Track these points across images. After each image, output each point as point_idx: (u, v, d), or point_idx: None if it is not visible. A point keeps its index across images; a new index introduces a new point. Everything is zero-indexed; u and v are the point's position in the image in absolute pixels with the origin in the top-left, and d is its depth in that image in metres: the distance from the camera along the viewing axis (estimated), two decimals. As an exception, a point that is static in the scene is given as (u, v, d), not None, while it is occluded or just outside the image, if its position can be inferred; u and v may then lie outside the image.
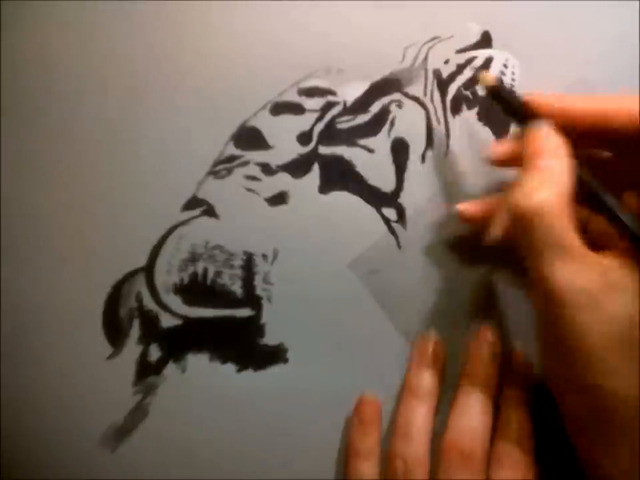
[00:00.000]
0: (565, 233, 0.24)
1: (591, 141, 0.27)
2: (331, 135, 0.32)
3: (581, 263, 0.24)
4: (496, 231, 0.27)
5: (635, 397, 0.24)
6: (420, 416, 0.29)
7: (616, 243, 0.26)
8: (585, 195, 0.26)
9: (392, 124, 0.32)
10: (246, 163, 0.32)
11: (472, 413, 0.28)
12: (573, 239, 0.24)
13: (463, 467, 0.28)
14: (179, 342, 0.31)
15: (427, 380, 0.30)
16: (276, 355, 0.31)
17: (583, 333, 0.24)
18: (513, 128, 0.32)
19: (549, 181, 0.25)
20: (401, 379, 0.31)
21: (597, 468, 0.26)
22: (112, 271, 0.31)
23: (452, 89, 0.33)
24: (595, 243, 0.26)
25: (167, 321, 0.31)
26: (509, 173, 0.32)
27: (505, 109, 0.28)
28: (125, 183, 0.31)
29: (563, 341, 0.25)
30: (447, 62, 0.33)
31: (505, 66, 0.33)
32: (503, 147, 0.28)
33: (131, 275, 0.31)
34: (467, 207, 0.29)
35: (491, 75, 0.28)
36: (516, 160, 0.27)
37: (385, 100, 0.32)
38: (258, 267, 0.31)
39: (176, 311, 0.31)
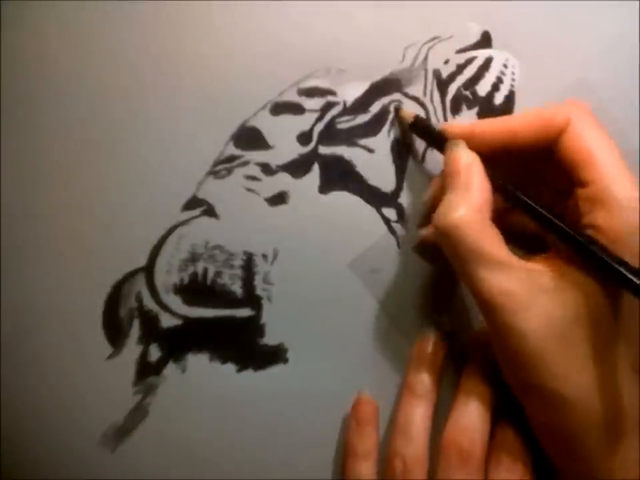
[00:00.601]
0: (484, 243, 0.25)
1: (506, 160, 0.28)
2: (331, 134, 0.32)
3: (506, 268, 0.25)
4: (417, 240, 0.31)
5: (583, 400, 0.24)
6: (419, 415, 0.29)
7: (548, 246, 0.28)
8: (514, 202, 0.27)
9: (392, 124, 0.32)
10: (246, 163, 0.32)
11: (471, 413, 0.28)
12: (494, 248, 0.26)
13: (462, 467, 0.28)
14: (179, 342, 0.31)
15: (426, 379, 0.30)
16: (276, 355, 0.31)
17: (521, 337, 0.25)
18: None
19: (463, 197, 0.26)
20: (401, 378, 0.31)
21: (563, 473, 0.27)
22: (112, 271, 0.31)
23: (452, 89, 0.33)
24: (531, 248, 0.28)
25: (167, 321, 0.31)
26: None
27: (426, 139, 0.31)
28: (125, 182, 0.31)
29: (506, 346, 0.25)
30: (446, 62, 0.33)
31: (505, 66, 0.33)
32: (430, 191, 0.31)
33: (131, 275, 0.31)
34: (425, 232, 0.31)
35: (409, 111, 0.31)
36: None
37: (384, 100, 0.32)
38: (258, 267, 0.31)
39: (176, 311, 0.31)
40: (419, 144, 0.32)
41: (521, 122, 0.28)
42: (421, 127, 0.31)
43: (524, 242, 0.29)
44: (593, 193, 0.26)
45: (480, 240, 0.25)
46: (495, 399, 0.29)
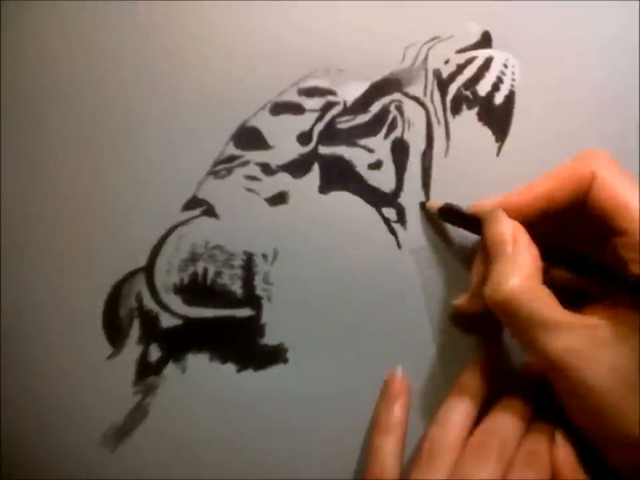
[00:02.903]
0: (542, 309, 0.26)
1: (544, 221, 0.29)
2: (331, 134, 0.32)
3: (566, 329, 0.26)
4: (458, 304, 0.31)
5: None
6: (461, 411, 0.29)
7: (591, 297, 0.28)
8: (560, 260, 0.28)
9: (392, 124, 0.32)
10: (246, 163, 0.32)
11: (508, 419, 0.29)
12: (551, 312, 0.26)
13: (485, 462, 0.27)
14: (179, 342, 0.31)
15: (477, 382, 0.30)
16: (276, 355, 0.31)
17: (590, 391, 0.25)
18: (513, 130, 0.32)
19: (513, 267, 0.27)
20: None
21: None
22: (112, 271, 0.31)
23: (452, 89, 0.33)
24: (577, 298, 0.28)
25: (167, 321, 0.31)
26: (509, 172, 0.32)
27: (458, 223, 0.31)
28: (125, 182, 0.31)
29: (578, 401, 0.26)
30: (447, 62, 0.33)
31: (505, 66, 0.33)
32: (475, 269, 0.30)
33: (131, 275, 0.31)
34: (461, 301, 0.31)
35: (435, 201, 0.31)
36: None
37: (385, 100, 0.32)
38: (258, 267, 0.31)
39: (176, 311, 0.31)
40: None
41: (549, 187, 0.28)
42: (452, 213, 0.30)
43: (565, 295, 0.29)
44: (632, 241, 0.26)
45: (537, 307, 0.26)
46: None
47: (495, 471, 0.27)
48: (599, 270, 0.27)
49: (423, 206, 0.32)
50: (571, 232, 0.29)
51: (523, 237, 0.28)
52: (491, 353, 0.31)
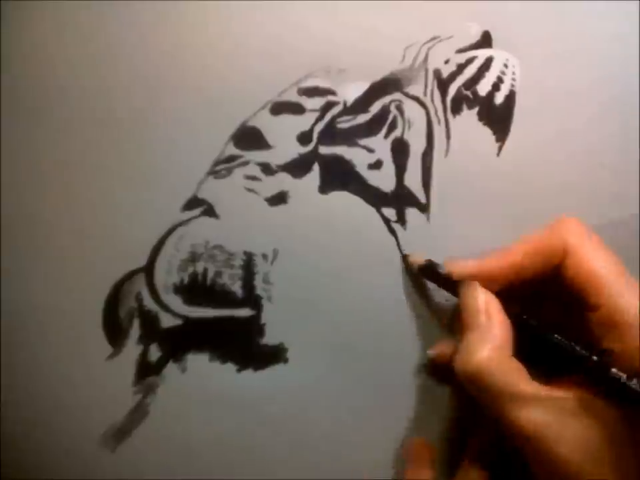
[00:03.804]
0: (512, 381, 0.26)
1: (521, 287, 0.29)
2: (331, 134, 0.32)
3: (535, 402, 0.26)
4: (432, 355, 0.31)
5: None
6: None
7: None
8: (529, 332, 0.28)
9: (392, 124, 0.32)
10: (246, 163, 0.32)
11: None
12: (520, 383, 0.26)
13: None
14: (179, 342, 0.31)
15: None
16: (276, 355, 0.31)
17: (558, 462, 0.25)
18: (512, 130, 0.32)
19: (484, 338, 0.27)
20: (400, 377, 0.31)
21: None
22: (112, 270, 0.31)
23: (452, 89, 0.33)
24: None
25: (167, 321, 0.31)
26: (509, 172, 0.32)
27: (436, 282, 0.31)
28: (125, 182, 0.31)
29: (548, 470, 0.26)
30: (447, 62, 0.33)
31: (505, 66, 0.33)
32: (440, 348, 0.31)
33: (131, 275, 0.31)
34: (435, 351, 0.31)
35: (417, 256, 0.31)
36: None
37: (385, 100, 0.32)
38: (258, 267, 0.31)
39: (176, 311, 0.31)
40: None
41: (521, 258, 0.28)
42: (431, 271, 0.30)
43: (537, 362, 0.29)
44: (605, 317, 0.27)
45: (507, 379, 0.26)
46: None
47: None
48: (564, 347, 0.27)
49: (405, 258, 0.32)
50: (548, 298, 0.29)
51: (495, 309, 0.28)
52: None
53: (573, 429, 0.25)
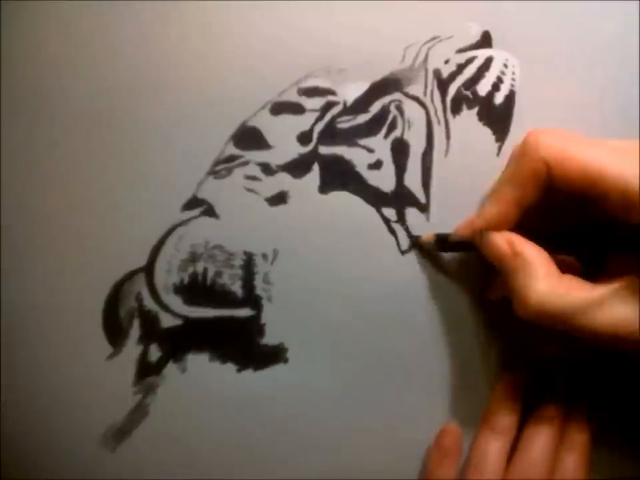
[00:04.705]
0: (575, 298, 0.26)
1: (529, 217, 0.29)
2: (331, 134, 0.32)
3: (600, 305, 0.26)
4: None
5: None
6: (495, 452, 0.30)
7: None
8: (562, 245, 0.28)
9: (392, 124, 0.32)
10: (246, 163, 0.32)
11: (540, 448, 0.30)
12: (584, 293, 0.26)
13: None
14: (179, 342, 0.31)
15: (507, 417, 0.31)
16: (276, 355, 0.31)
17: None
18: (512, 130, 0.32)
19: (527, 275, 0.27)
20: (399, 378, 0.31)
21: None
22: (112, 270, 0.31)
23: (452, 89, 0.33)
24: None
25: (167, 321, 0.31)
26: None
27: (452, 249, 0.31)
28: (125, 182, 0.31)
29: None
30: (447, 62, 0.33)
31: (505, 66, 0.33)
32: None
33: (131, 275, 0.31)
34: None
35: (426, 235, 0.31)
36: None
37: (385, 100, 0.32)
38: (258, 267, 0.31)
39: (176, 311, 0.31)
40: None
41: (512, 196, 0.28)
42: (444, 243, 0.31)
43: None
44: (617, 200, 0.26)
45: (570, 298, 0.26)
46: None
47: None
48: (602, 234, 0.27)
49: (417, 241, 0.32)
50: (559, 209, 0.29)
51: (520, 243, 0.28)
52: (517, 383, 0.32)
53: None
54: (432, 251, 0.32)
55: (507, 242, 0.28)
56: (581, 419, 0.31)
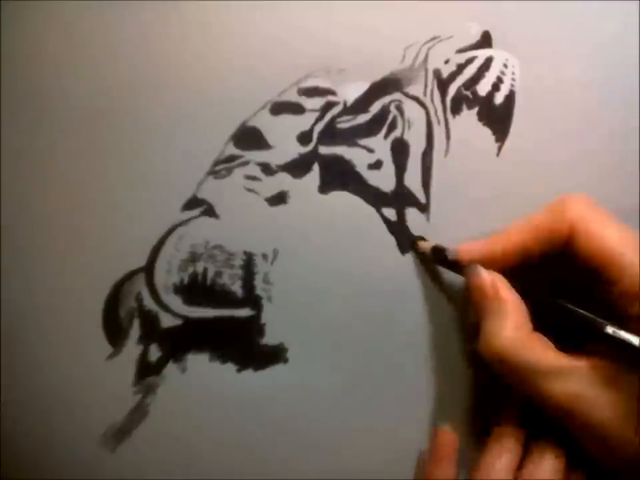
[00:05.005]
0: (538, 357, 0.27)
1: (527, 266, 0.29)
2: (331, 134, 0.32)
3: (565, 374, 0.26)
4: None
5: None
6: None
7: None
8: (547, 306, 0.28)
9: (392, 124, 0.32)
10: (246, 163, 0.32)
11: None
12: (548, 358, 0.27)
13: None
14: (179, 342, 0.31)
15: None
16: (276, 355, 0.31)
17: (594, 427, 0.26)
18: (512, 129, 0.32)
19: (501, 320, 0.27)
20: (400, 378, 0.31)
21: None
22: (112, 270, 0.31)
23: (452, 89, 0.33)
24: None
25: (167, 321, 0.31)
26: (509, 172, 0.32)
27: (445, 266, 0.31)
28: (125, 182, 0.31)
29: (585, 434, 0.27)
30: (447, 62, 0.33)
31: (505, 66, 0.33)
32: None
33: (131, 275, 0.31)
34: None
35: (425, 243, 0.31)
36: None
37: (385, 100, 0.32)
38: (258, 267, 0.31)
39: (176, 311, 0.31)
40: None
41: (524, 240, 0.28)
42: (439, 256, 0.31)
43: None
44: (626, 290, 0.26)
45: (532, 356, 0.26)
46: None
47: None
48: (581, 318, 0.27)
49: (414, 244, 0.32)
50: (561, 273, 0.29)
51: (505, 288, 0.28)
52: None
53: (605, 396, 0.26)
54: (428, 257, 0.32)
55: (491, 282, 0.28)
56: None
